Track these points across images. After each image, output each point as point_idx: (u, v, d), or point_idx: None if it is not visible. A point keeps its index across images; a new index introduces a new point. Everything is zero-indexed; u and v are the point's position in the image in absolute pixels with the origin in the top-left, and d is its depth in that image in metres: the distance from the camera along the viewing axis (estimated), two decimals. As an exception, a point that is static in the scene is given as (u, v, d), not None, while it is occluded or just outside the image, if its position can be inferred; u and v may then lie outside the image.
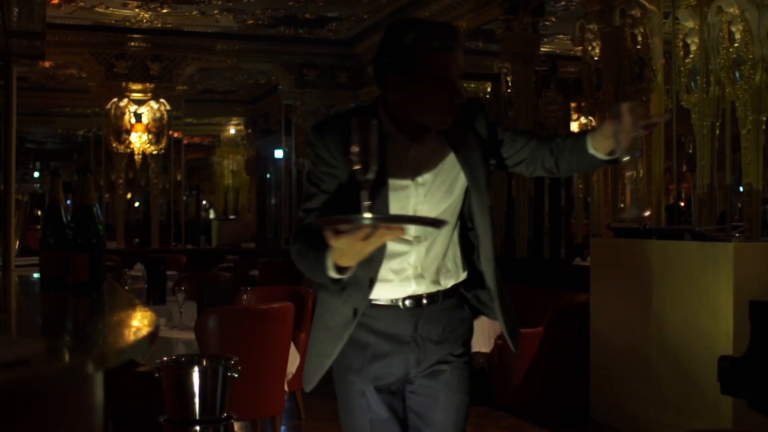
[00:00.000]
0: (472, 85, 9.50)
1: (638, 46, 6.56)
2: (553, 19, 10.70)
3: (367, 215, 2.10)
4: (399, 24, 2.52)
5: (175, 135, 13.23)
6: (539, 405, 6.55)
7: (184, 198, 17.13)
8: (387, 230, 2.10)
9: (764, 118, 5.67)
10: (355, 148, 2.12)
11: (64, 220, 2.77)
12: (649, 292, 5.79)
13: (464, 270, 2.67)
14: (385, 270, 2.53)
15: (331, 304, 2.56)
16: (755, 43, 5.57)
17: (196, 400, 3.86)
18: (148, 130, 12.52)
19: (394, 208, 2.52)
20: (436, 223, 2.34)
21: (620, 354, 6.07)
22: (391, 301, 2.57)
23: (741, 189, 6.07)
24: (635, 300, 5.92)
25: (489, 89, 9.16)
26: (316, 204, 2.52)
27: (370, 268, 2.48)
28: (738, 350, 4.70)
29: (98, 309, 2.46)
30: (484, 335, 6.40)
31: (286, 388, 5.44)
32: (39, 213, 15.16)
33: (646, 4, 6.49)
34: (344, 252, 2.16)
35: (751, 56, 5.58)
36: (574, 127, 12.37)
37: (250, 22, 11.98)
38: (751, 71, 5.58)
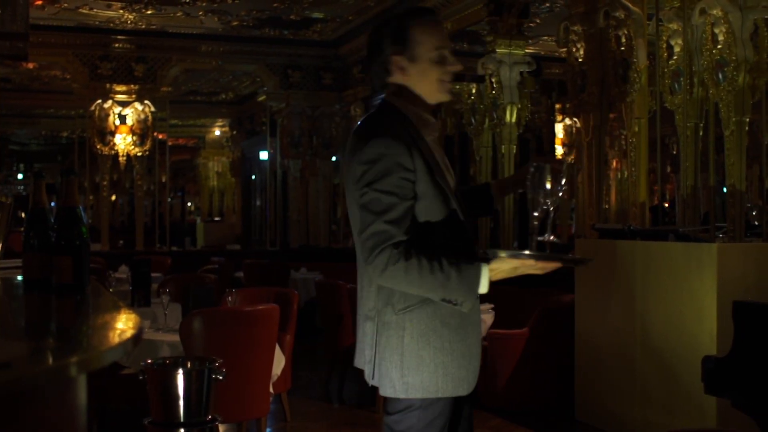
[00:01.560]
0: (457, 87, 9.50)
1: (622, 48, 6.58)
2: (538, 21, 10.74)
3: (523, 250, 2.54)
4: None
5: (160, 137, 13.19)
6: (525, 406, 6.56)
7: (169, 200, 17.09)
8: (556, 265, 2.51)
9: (747, 120, 5.70)
10: (532, 191, 2.47)
11: (48, 222, 2.75)
12: (634, 292, 5.81)
13: None
14: None
15: (445, 308, 2.58)
16: (738, 44, 5.59)
17: (181, 402, 3.85)
18: (132, 131, 12.47)
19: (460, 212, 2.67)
20: (583, 262, 2.80)
21: (605, 354, 6.09)
22: None
23: (725, 190, 6.10)
24: (620, 300, 5.94)
25: (474, 90, 9.17)
26: (399, 213, 2.49)
27: None
28: (722, 350, 4.73)
29: (82, 311, 2.45)
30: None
31: (271, 389, 5.43)
32: (22, 215, 15.06)
33: (630, 5, 6.51)
34: (507, 273, 2.49)
35: (734, 58, 5.61)
36: (559, 128, 12.42)
37: (235, 23, 11.96)
38: (734, 73, 5.61)
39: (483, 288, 2.47)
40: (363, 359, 2.73)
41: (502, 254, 2.43)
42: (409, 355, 2.56)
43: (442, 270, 2.44)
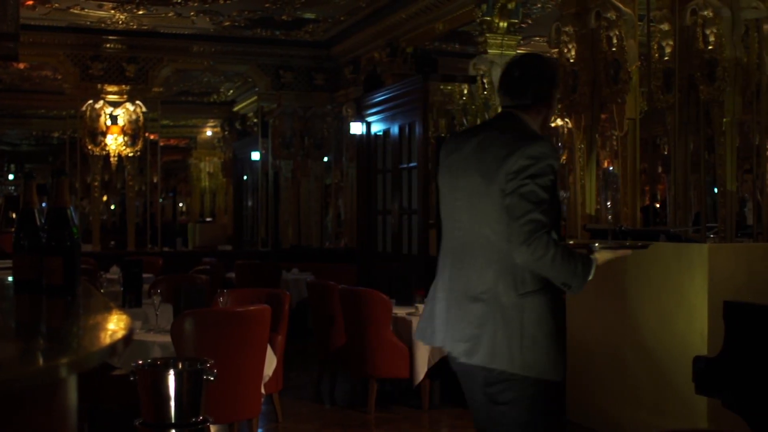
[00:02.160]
0: (449, 87, 9.49)
1: (613, 48, 6.60)
2: (530, 21, 10.74)
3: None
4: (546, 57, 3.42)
5: (151, 137, 13.15)
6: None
7: (161, 200, 17.03)
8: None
9: (738, 120, 5.72)
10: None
11: (38, 222, 2.74)
12: (625, 292, 5.82)
13: None
14: None
15: (552, 300, 2.95)
16: (729, 45, 5.61)
17: (172, 403, 3.84)
18: (123, 132, 12.44)
19: None
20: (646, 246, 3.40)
21: (596, 355, 6.10)
22: None
23: (716, 190, 6.12)
24: (611, 301, 5.95)
25: (465, 91, 9.17)
26: (547, 207, 2.85)
27: None
28: (712, 350, 4.74)
29: (73, 312, 2.44)
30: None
31: (262, 390, 5.42)
32: (13, 215, 15.01)
33: (622, 6, 6.53)
34: (604, 262, 2.98)
35: (725, 58, 5.62)
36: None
37: (227, 23, 11.94)
38: (725, 73, 5.63)
39: (592, 276, 2.92)
40: (451, 337, 2.98)
41: (598, 245, 2.93)
42: (527, 336, 2.86)
43: (575, 260, 2.86)
